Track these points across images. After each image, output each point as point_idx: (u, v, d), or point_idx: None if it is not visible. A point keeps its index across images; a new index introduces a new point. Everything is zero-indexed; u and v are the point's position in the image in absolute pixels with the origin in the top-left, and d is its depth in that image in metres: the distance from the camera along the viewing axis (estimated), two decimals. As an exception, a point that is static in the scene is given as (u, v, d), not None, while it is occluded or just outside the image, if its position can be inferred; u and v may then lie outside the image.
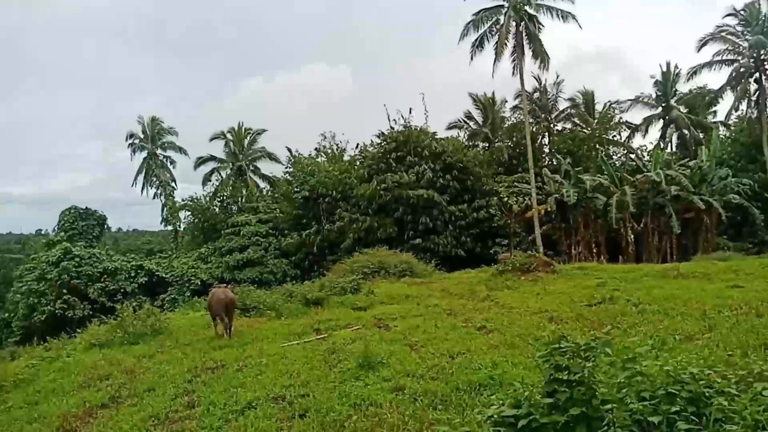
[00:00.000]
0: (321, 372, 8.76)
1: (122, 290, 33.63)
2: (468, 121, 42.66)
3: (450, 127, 42.22)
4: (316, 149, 40.10)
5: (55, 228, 44.39)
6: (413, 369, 8.24)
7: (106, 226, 46.79)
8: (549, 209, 31.93)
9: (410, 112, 34.80)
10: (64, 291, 32.55)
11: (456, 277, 22.50)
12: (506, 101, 42.72)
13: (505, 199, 28.98)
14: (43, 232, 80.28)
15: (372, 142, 36.94)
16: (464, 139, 41.20)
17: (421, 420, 6.01)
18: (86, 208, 43.54)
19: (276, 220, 37.86)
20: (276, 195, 42.72)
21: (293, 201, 36.81)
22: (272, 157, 47.96)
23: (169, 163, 50.95)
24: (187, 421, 7.16)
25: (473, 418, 5.48)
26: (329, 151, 40.29)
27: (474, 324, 11.63)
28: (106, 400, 8.98)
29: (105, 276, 33.96)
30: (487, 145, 41.82)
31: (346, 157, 39.31)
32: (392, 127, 35.11)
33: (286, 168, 42.01)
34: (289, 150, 42.09)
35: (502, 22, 32.78)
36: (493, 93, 42.37)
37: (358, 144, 38.95)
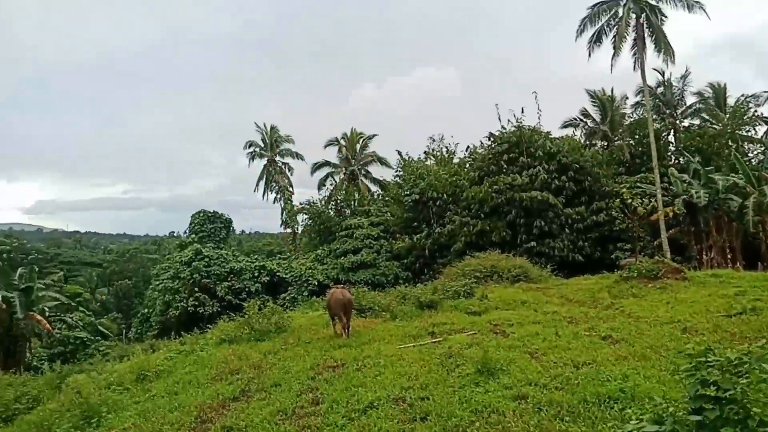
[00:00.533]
0: (439, 376, 8.78)
1: (247, 289, 35.75)
2: (584, 119, 40.77)
3: (565, 126, 40.61)
4: (425, 152, 40.28)
5: (186, 230, 48.19)
6: (535, 378, 8.03)
7: (231, 229, 50.03)
8: (677, 211, 29.67)
9: (522, 112, 33.97)
10: (196, 289, 35.22)
11: (575, 283, 21.60)
12: (626, 97, 40.41)
13: (629, 200, 27.35)
14: (175, 234, 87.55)
15: (482, 143, 36.42)
16: (581, 138, 39.43)
17: (548, 431, 5.84)
18: (214, 211, 46.84)
19: (387, 223, 38.51)
20: (386, 198, 43.45)
21: (403, 204, 37.19)
22: (383, 162, 48.96)
23: (287, 170, 53.57)
24: (312, 418, 7.46)
25: (605, 432, 5.26)
26: (438, 153, 40.30)
27: (598, 333, 11.10)
28: (237, 393, 9.58)
29: (231, 275, 36.29)
30: (605, 143, 39.77)
31: (455, 160, 39.07)
32: (503, 128, 34.38)
33: (396, 172, 42.65)
34: (399, 153, 42.78)
35: (620, 14, 31.10)
36: (612, 89, 40.22)
37: (468, 146, 38.51)
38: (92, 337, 39.43)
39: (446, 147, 40.61)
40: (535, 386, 7.66)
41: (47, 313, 33.91)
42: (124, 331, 49.11)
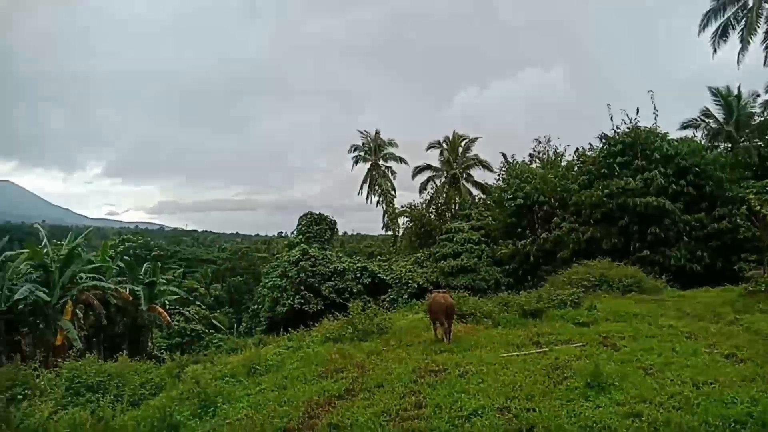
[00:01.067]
0: (545, 387, 8.50)
1: (349, 289, 36.61)
2: (706, 119, 37.83)
3: (684, 127, 37.82)
4: (530, 155, 39.09)
5: (294, 231, 50.20)
6: (650, 395, 7.56)
7: (335, 230, 51.52)
8: (812, 220, 26.77)
9: (637, 112, 32.03)
10: (302, 288, 36.60)
11: (693, 296, 20.10)
12: (757, 95, 36.96)
13: (756, 207, 24.95)
14: (283, 234, 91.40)
15: (592, 145, 34.70)
16: (702, 140, 36.61)
17: (666, 453, 5.48)
18: (319, 213, 48.50)
19: (488, 228, 37.89)
20: (488, 202, 42.77)
21: (506, 208, 36.36)
22: (485, 165, 48.29)
23: (389, 173, 54.56)
24: (416, 421, 7.49)
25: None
26: (544, 156, 38.96)
27: (720, 350, 10.27)
28: (341, 391, 9.81)
29: (335, 275, 37.33)
30: (729, 146, 36.61)
31: (563, 163, 37.55)
32: (617, 128, 32.63)
33: (498, 175, 41.79)
34: (504, 156, 41.83)
35: (750, 5, 28.61)
36: (739, 87, 36.98)
37: (577, 148, 36.83)
38: (206, 330, 42.14)
39: (554, 149, 39.12)
40: (650, 404, 7.22)
41: (167, 306, 36.65)
42: (235, 325, 51.95)
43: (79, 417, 7.68)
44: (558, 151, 38.88)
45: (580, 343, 11.92)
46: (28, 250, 29.52)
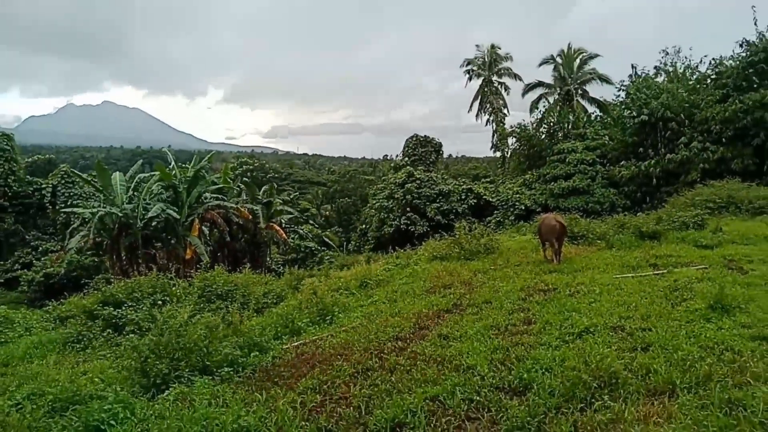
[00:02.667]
0: (662, 308, 8.20)
1: (454, 210, 36.68)
2: None
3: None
4: (655, 67, 35.66)
5: (399, 153, 50.55)
6: (780, 320, 7.09)
7: (440, 152, 51.23)
8: None
9: (786, 14, 28.17)
10: (408, 209, 37.18)
11: (839, 219, 18.20)
12: None
13: None
14: (389, 157, 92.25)
15: (733, 53, 30.81)
16: None
17: (797, 378, 5.17)
18: (425, 136, 48.28)
19: (605, 148, 35.83)
20: (606, 120, 40.16)
21: (626, 126, 33.94)
22: (603, 79, 44.88)
23: (503, 90, 52.55)
24: (525, 336, 7.57)
25: None
26: (672, 69, 35.39)
27: None
28: (449, 306, 10.09)
29: (440, 197, 37.45)
30: None
31: (695, 76, 33.96)
32: (761, 34, 28.91)
33: (619, 90, 38.53)
34: (634, 68, 37.77)
35: None
36: None
37: (712, 59, 32.84)
38: (319, 247, 44.39)
39: (684, 62, 35.20)
40: (781, 329, 6.78)
41: (283, 225, 38.78)
42: (344, 243, 54.28)
43: (213, 321, 8.53)
44: (691, 63, 35.12)
45: (703, 266, 11.29)
46: (158, 172, 32.05)
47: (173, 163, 34.17)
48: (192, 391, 6.53)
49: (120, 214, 28.57)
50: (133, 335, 9.42)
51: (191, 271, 23.48)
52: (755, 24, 29.38)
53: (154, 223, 30.21)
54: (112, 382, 7.08)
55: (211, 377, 7.08)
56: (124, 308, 12.13)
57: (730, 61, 30.50)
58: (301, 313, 10.35)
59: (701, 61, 34.41)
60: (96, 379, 7.18)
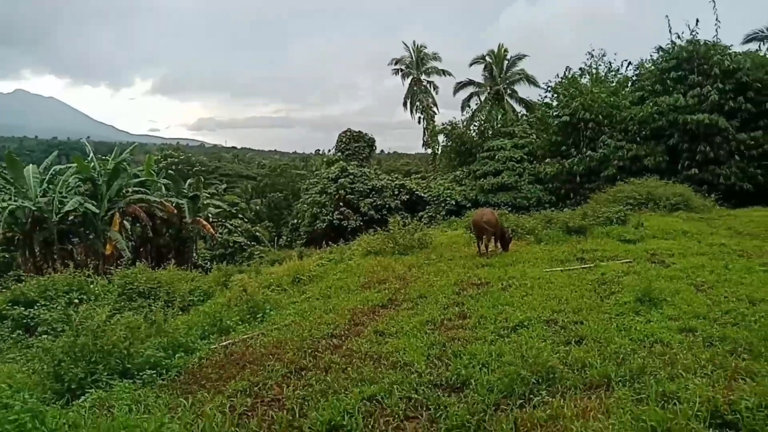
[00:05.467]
0: (592, 302, 8.39)
1: (387, 206, 36.68)
2: (773, 31, 34.96)
3: (748, 41, 34.99)
4: (580, 69, 36.88)
5: (332, 148, 50.14)
6: (703, 311, 7.36)
7: (373, 148, 51.22)
8: None
9: (696, 23, 29.74)
10: (341, 204, 36.83)
11: (745, 215, 19.45)
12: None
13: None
14: (321, 152, 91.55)
15: (649, 58, 32.60)
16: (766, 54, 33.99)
17: (723, 366, 5.33)
18: (359, 131, 48.13)
19: (531, 146, 36.81)
20: (532, 119, 41.30)
21: (551, 126, 35.04)
22: (531, 80, 46.40)
23: (431, 89, 53.11)
24: (460, 330, 7.51)
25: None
26: (596, 71, 36.71)
27: (777, 270, 9.91)
28: (385, 301, 9.93)
29: (373, 192, 37.35)
30: (796, 59, 34.00)
31: (616, 78, 35.43)
32: (673, 42, 30.59)
33: (546, 91, 39.69)
34: (568, 69, 38.64)
35: None
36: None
37: (629, 62, 34.70)
38: (248, 242, 43.30)
39: (607, 65, 36.62)
40: (704, 320, 7.03)
41: (210, 219, 37.53)
42: (275, 238, 53.24)
43: (134, 321, 7.96)
44: (612, 66, 36.57)
45: (627, 260, 11.70)
46: (76, 165, 30.23)
47: (92, 154, 32.31)
48: (111, 397, 6.02)
49: (33, 208, 26.77)
50: (46, 337, 8.68)
51: (111, 268, 22.30)
52: (669, 32, 31.04)
53: (71, 218, 28.49)
54: (22, 388, 6.42)
55: (132, 381, 6.56)
56: (36, 308, 11.22)
57: (649, 65, 32.10)
58: (230, 311, 9.88)
59: (621, 64, 35.96)
60: (3, 385, 6.50)
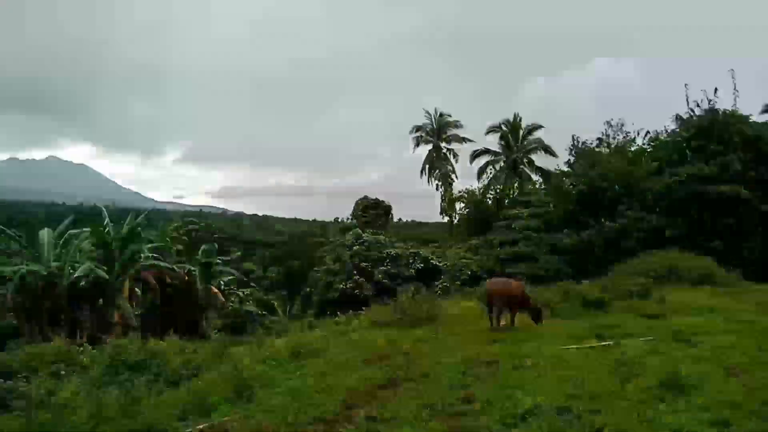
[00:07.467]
0: (611, 386, 7.54)
1: (401, 275, 35.92)
2: (793, 101, 34.54)
3: (766, 110, 34.87)
4: (598, 139, 36.69)
5: (349, 216, 50.08)
6: (738, 400, 6.49)
7: (390, 215, 51.02)
8: None
9: (715, 92, 29.53)
10: (354, 272, 36.16)
11: (773, 290, 18.39)
12: None
13: None
14: (339, 220, 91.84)
15: (666, 129, 32.34)
16: (787, 124, 33.42)
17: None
18: (375, 198, 48.15)
19: (549, 215, 36.21)
20: (549, 189, 40.89)
21: (568, 195, 34.53)
22: (547, 150, 46.23)
23: (451, 156, 53.15)
24: (463, 418, 6.73)
25: None
26: (614, 141, 36.46)
27: (818, 351, 8.99)
28: (385, 380, 9.16)
29: (387, 261, 36.72)
30: (818, 129, 33.39)
31: (633, 148, 35.14)
32: (692, 111, 30.33)
33: (563, 161, 39.43)
34: (574, 138, 38.74)
35: None
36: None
37: (648, 132, 34.44)
38: (260, 312, 42.51)
39: (625, 134, 36.42)
40: (739, 411, 6.18)
41: (222, 287, 37.04)
42: (288, 307, 52.42)
43: (106, 398, 7.31)
44: (629, 136, 36.37)
45: (650, 337, 10.82)
46: (90, 229, 30.27)
47: (107, 219, 32.39)
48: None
49: (44, 273, 26.55)
50: (18, 413, 8.01)
51: (118, 337, 21.67)
52: (687, 102, 30.88)
53: (82, 284, 28.19)
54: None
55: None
56: (15, 380, 10.57)
57: (664, 136, 31.81)
58: (217, 388, 9.15)
59: (638, 133, 35.76)
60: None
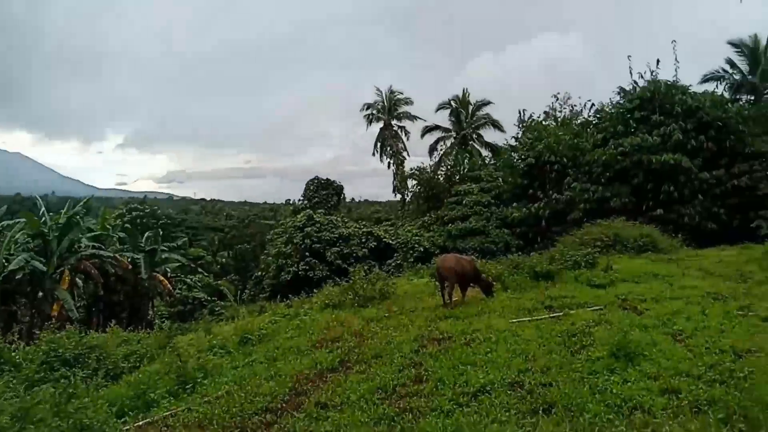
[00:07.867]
0: (562, 358, 7.51)
1: (354, 254, 35.68)
2: (729, 71, 35.70)
3: (705, 80, 35.55)
4: (545, 112, 37.08)
5: (300, 197, 49.30)
6: (686, 367, 6.54)
7: (342, 196, 50.52)
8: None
9: (657, 64, 30.08)
10: (307, 254, 35.65)
11: (713, 255, 18.95)
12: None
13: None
14: (290, 202, 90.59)
15: (611, 101, 32.82)
16: (724, 93, 34.48)
17: (717, 442, 4.46)
18: (326, 179, 47.51)
19: (498, 189, 36.54)
20: (498, 164, 41.25)
21: (517, 169, 34.87)
22: (496, 125, 46.62)
23: (402, 133, 52.90)
24: (414, 398, 6.55)
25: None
26: (560, 114, 36.95)
27: (758, 313, 9.20)
28: (336, 363, 8.93)
29: (340, 241, 36.36)
30: (752, 98, 34.66)
31: (579, 121, 35.67)
32: (635, 83, 30.90)
33: (511, 136, 39.87)
34: (521, 113, 39.18)
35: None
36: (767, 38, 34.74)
37: (593, 104, 35.01)
38: (209, 298, 41.51)
39: (570, 107, 36.98)
40: (688, 378, 6.21)
41: (169, 274, 35.89)
42: (239, 292, 51.48)
43: (36, 396, 6.76)
44: (576, 109, 36.93)
45: (598, 307, 10.91)
46: (24, 219, 28.73)
47: (43, 209, 30.78)
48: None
49: (-26, 267, 25.08)
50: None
51: (57, 330, 20.64)
52: (630, 74, 31.49)
53: (17, 277, 26.72)
54: None
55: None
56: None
57: (609, 108, 32.36)
58: (158, 382, 8.69)
59: (585, 105, 36.35)
60: None
